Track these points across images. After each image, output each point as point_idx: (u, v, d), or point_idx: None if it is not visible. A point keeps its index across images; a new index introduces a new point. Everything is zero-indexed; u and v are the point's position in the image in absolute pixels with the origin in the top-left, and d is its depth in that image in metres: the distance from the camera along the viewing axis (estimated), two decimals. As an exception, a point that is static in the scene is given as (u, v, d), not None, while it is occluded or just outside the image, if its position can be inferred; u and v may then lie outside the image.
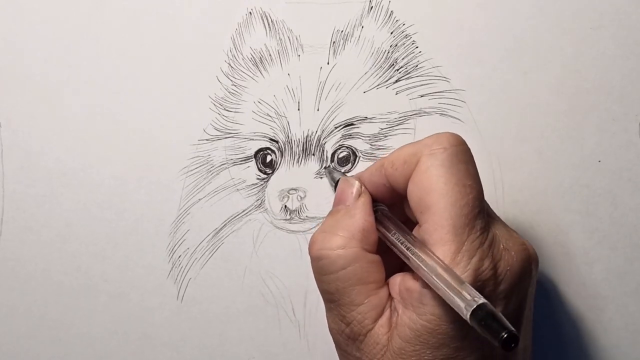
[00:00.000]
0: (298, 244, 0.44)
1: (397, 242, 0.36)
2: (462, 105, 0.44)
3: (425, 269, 0.33)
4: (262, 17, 0.43)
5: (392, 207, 0.39)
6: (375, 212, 0.38)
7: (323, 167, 0.43)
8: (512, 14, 0.43)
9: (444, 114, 0.44)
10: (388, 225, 0.37)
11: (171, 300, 0.45)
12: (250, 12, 0.43)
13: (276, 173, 0.44)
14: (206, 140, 0.44)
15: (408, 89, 0.44)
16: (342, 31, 0.43)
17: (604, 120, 0.44)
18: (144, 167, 0.44)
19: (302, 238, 0.44)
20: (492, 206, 0.44)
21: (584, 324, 0.44)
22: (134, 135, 0.44)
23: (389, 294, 0.36)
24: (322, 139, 0.44)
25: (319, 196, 0.44)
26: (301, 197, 0.44)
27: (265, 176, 0.44)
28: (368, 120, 0.44)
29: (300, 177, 0.44)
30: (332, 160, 0.44)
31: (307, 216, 0.44)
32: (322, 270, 0.36)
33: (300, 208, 0.44)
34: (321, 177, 0.44)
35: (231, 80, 0.44)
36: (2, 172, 0.44)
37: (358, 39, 0.43)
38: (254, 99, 0.44)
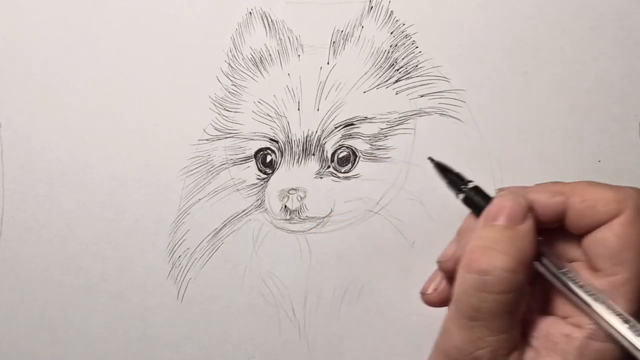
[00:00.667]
0: (298, 244, 0.44)
1: (571, 283, 0.35)
2: (462, 105, 0.44)
3: (606, 320, 0.33)
4: (262, 17, 0.43)
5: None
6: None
7: (428, 157, 0.39)
8: (512, 14, 0.43)
9: (444, 114, 0.44)
10: (551, 259, 0.36)
11: (171, 300, 0.45)
12: (250, 12, 0.43)
13: (276, 173, 0.44)
14: (206, 140, 0.44)
15: (408, 89, 0.44)
16: (342, 31, 0.43)
17: (604, 120, 0.44)
18: (144, 167, 0.44)
19: (302, 238, 0.44)
20: (492, 206, 0.44)
21: (584, 324, 0.44)
22: (134, 135, 0.44)
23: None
24: (322, 139, 0.44)
25: (319, 196, 0.44)
26: (301, 197, 0.44)
27: (265, 176, 0.44)
28: (368, 120, 0.44)
29: (300, 177, 0.44)
30: (332, 160, 0.44)
31: (307, 216, 0.44)
32: (483, 286, 0.34)
33: (300, 208, 0.44)
34: (321, 177, 0.44)
35: (231, 80, 0.44)
36: (2, 172, 0.44)
37: (358, 39, 0.43)
38: (254, 99, 0.44)
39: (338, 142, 0.44)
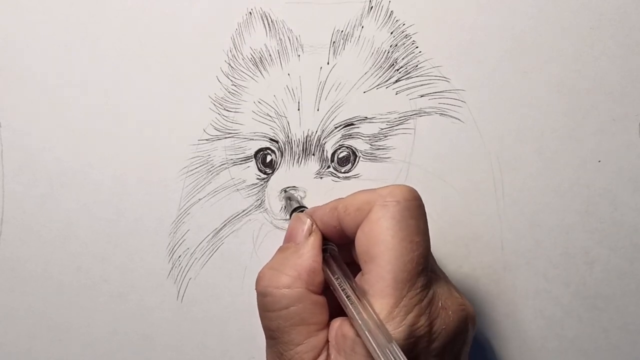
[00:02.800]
0: (298, 244, 0.44)
1: (338, 287, 0.36)
2: (462, 105, 0.44)
3: (359, 320, 0.33)
4: (262, 17, 0.43)
5: (341, 247, 0.38)
6: (324, 251, 0.37)
7: (283, 189, 0.43)
8: (512, 14, 0.43)
9: (444, 114, 0.44)
10: (333, 268, 0.37)
11: (171, 300, 0.45)
12: (250, 12, 0.43)
13: (276, 173, 0.44)
14: (206, 140, 0.44)
15: (408, 89, 0.44)
16: (342, 31, 0.43)
17: (604, 120, 0.44)
18: (144, 167, 0.44)
19: (302, 238, 0.44)
20: (492, 206, 0.44)
21: (583, 324, 0.44)
22: (134, 135, 0.44)
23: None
24: (322, 139, 0.44)
25: (319, 196, 0.44)
26: (301, 197, 0.44)
27: (265, 176, 0.44)
28: (368, 120, 0.44)
29: (300, 177, 0.44)
30: (332, 160, 0.44)
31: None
32: (265, 307, 0.36)
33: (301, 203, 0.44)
34: (321, 177, 0.44)
35: (231, 80, 0.44)
36: (2, 172, 0.44)
37: (358, 39, 0.43)
38: (254, 99, 0.44)
39: (338, 142, 0.44)
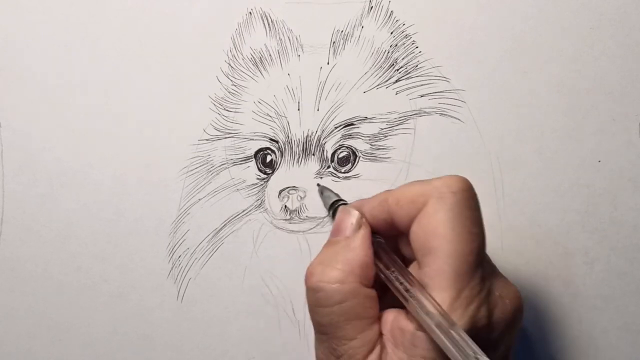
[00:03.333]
0: (298, 244, 0.44)
1: (395, 281, 0.35)
2: (462, 105, 0.44)
3: (423, 314, 0.33)
4: (262, 17, 0.43)
5: (389, 240, 0.38)
6: (372, 244, 0.37)
7: (317, 184, 0.43)
8: (512, 14, 0.43)
9: (444, 114, 0.44)
10: (386, 261, 0.37)
11: (171, 300, 0.45)
12: (250, 12, 0.43)
13: (276, 173, 0.44)
14: (206, 140, 0.44)
15: (408, 89, 0.44)
16: (342, 31, 0.43)
17: (604, 120, 0.44)
18: (144, 167, 0.44)
19: (302, 238, 0.44)
20: (492, 206, 0.44)
21: (584, 324, 0.44)
22: (134, 135, 0.44)
23: (380, 330, 0.36)
24: (322, 139, 0.44)
25: (319, 196, 0.44)
26: (301, 197, 0.44)
27: (265, 176, 0.44)
28: (368, 120, 0.44)
29: (300, 177, 0.44)
30: (332, 160, 0.44)
31: (307, 216, 0.44)
32: (318, 302, 0.36)
33: (300, 208, 0.44)
34: (321, 177, 0.44)
35: (231, 80, 0.44)
36: (2, 172, 0.44)
37: (358, 39, 0.43)
38: (254, 99, 0.44)
39: (338, 142, 0.44)
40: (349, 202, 0.41)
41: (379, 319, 0.36)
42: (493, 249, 0.44)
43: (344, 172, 0.44)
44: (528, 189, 0.44)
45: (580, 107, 0.44)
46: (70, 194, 0.44)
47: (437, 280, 0.34)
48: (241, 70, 0.44)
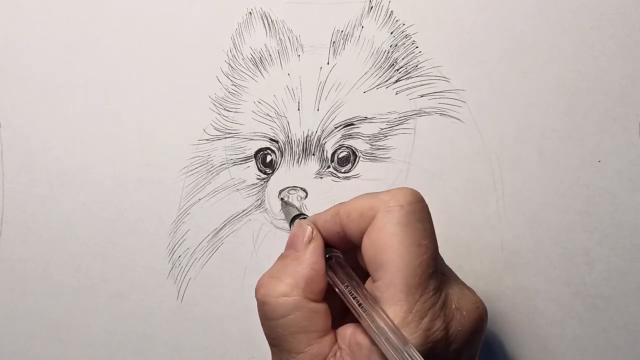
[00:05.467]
0: (298, 244, 0.44)
1: (349, 296, 0.35)
2: (462, 105, 0.44)
3: (374, 329, 0.33)
4: (262, 17, 0.43)
5: (345, 253, 0.38)
6: (329, 258, 0.37)
7: (280, 197, 0.43)
8: (512, 14, 0.43)
9: (444, 114, 0.44)
10: (341, 275, 0.36)
11: (171, 300, 0.45)
12: (250, 12, 0.43)
13: (276, 173, 0.44)
14: (206, 140, 0.44)
15: (408, 89, 0.44)
16: (342, 31, 0.43)
17: (604, 120, 0.44)
18: (144, 167, 0.44)
19: (302, 238, 0.44)
20: (492, 206, 0.44)
21: (584, 324, 0.44)
22: (134, 135, 0.44)
23: (334, 343, 0.36)
24: (322, 139, 0.44)
25: (319, 196, 0.44)
26: (301, 197, 0.44)
27: (265, 176, 0.44)
28: (368, 120, 0.44)
29: (300, 177, 0.44)
30: (332, 160, 0.44)
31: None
32: (265, 315, 0.36)
33: (300, 208, 0.44)
34: (321, 177, 0.44)
35: (231, 80, 0.44)
36: (2, 172, 0.44)
37: (358, 39, 0.43)
38: (254, 99, 0.44)
39: (338, 142, 0.44)
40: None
41: (334, 332, 0.36)
42: (493, 249, 0.44)
43: (344, 172, 0.44)
44: (528, 189, 0.44)
45: (580, 107, 0.44)
46: (70, 194, 0.44)
47: (389, 294, 0.34)
48: (241, 70, 0.44)
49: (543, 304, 0.44)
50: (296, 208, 0.43)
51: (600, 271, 0.44)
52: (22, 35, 0.44)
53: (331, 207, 0.38)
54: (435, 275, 0.34)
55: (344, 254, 0.38)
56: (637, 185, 0.44)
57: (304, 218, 0.41)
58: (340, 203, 0.38)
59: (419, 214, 0.35)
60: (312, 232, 0.37)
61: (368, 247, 0.35)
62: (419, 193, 0.35)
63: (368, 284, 0.36)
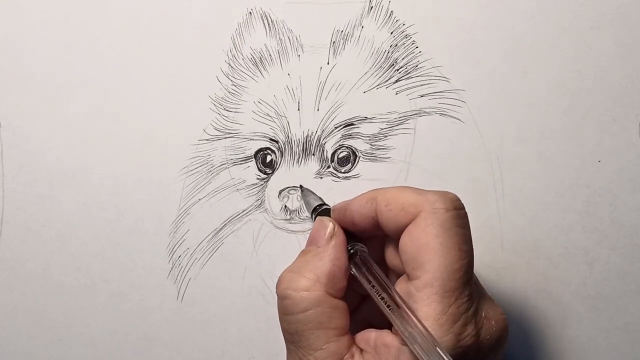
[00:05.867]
0: (298, 244, 0.44)
1: (377, 297, 0.35)
2: (462, 105, 0.44)
3: (405, 331, 0.33)
4: (262, 17, 0.43)
5: (371, 240, 0.38)
6: (354, 253, 0.37)
7: (299, 185, 0.43)
8: (512, 14, 0.43)
9: (444, 114, 0.44)
10: (367, 274, 0.36)
11: (171, 300, 0.45)
12: (250, 12, 0.43)
13: (276, 173, 0.44)
14: (206, 140, 0.44)
15: (408, 89, 0.44)
16: (342, 31, 0.43)
17: (604, 120, 0.44)
18: (144, 167, 0.44)
19: (302, 238, 0.44)
20: (492, 206, 0.44)
21: (583, 324, 0.44)
22: (134, 135, 0.44)
23: (352, 344, 0.36)
24: (322, 139, 0.44)
25: (319, 196, 0.44)
26: (301, 197, 0.44)
27: (265, 176, 0.44)
28: (368, 120, 0.44)
29: (301, 177, 0.44)
30: (332, 160, 0.44)
31: (307, 216, 0.44)
32: (284, 310, 0.36)
33: (301, 208, 0.44)
34: (321, 177, 0.44)
35: (231, 80, 0.44)
36: (2, 172, 0.44)
37: (358, 39, 0.43)
38: (254, 99, 0.44)
39: (338, 142, 0.44)
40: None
41: (349, 333, 0.36)
42: (493, 249, 0.44)
43: (344, 172, 0.44)
44: (528, 189, 0.44)
45: (580, 107, 0.44)
46: (70, 194, 0.44)
47: (424, 294, 0.34)
48: (241, 70, 0.44)
49: (543, 304, 0.44)
50: (318, 197, 0.42)
51: (600, 271, 0.44)
52: (22, 35, 0.44)
53: (367, 192, 0.38)
54: (470, 282, 0.35)
55: (368, 241, 0.38)
56: (637, 185, 0.44)
57: (327, 208, 0.40)
58: (377, 189, 0.37)
59: (462, 220, 0.35)
60: (334, 228, 0.38)
61: (408, 244, 0.35)
62: (461, 200, 0.36)
63: (402, 282, 0.36)
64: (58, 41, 0.44)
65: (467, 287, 0.34)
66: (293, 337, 0.36)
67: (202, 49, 0.43)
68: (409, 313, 0.33)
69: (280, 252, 0.44)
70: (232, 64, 0.44)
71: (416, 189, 0.36)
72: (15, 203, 0.44)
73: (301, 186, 0.43)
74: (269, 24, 0.43)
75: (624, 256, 0.44)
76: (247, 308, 0.44)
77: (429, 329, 0.33)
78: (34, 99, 0.44)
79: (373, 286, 0.36)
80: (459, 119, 0.44)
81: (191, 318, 0.45)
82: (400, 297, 0.34)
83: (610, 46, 0.43)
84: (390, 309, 0.34)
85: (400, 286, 0.35)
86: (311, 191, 0.43)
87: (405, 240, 0.35)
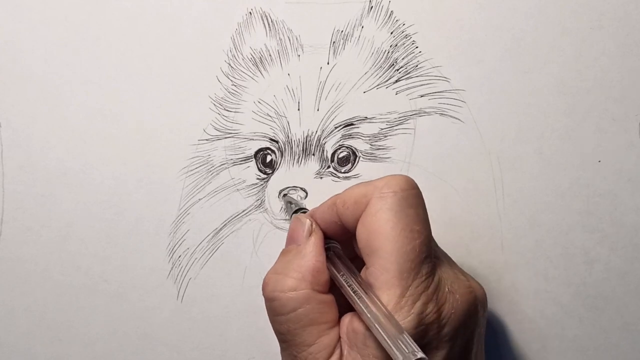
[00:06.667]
0: (298, 244, 0.44)
1: (344, 284, 0.36)
2: (462, 105, 0.44)
3: (368, 314, 0.33)
4: (262, 17, 0.43)
5: (345, 243, 0.39)
6: (327, 249, 0.38)
7: (282, 193, 0.43)
8: (512, 14, 0.43)
9: (444, 114, 0.44)
10: (338, 265, 0.37)
11: (171, 300, 0.45)
12: (250, 12, 0.43)
13: (276, 173, 0.44)
14: (206, 140, 0.44)
15: (408, 89, 0.44)
16: (342, 31, 0.43)
17: (604, 120, 0.44)
18: (144, 167, 0.44)
19: (302, 238, 0.44)
20: (492, 206, 0.44)
21: (583, 324, 0.44)
22: (134, 135, 0.44)
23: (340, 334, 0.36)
24: (322, 139, 0.44)
25: (319, 196, 0.43)
26: (301, 197, 0.44)
27: (265, 176, 0.44)
28: (368, 120, 0.44)
29: (301, 177, 0.44)
30: (332, 160, 0.44)
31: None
32: (274, 311, 0.36)
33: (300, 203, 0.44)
34: (321, 178, 0.44)
35: (231, 80, 0.44)
36: (2, 172, 0.44)
37: (358, 39, 0.43)
38: (254, 99, 0.44)
39: (338, 142, 0.44)
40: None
41: (338, 323, 0.36)
42: (493, 249, 0.44)
43: (344, 172, 0.44)
44: (528, 189, 0.44)
45: (580, 107, 0.44)
46: (70, 194, 0.44)
47: (382, 279, 0.34)
48: (241, 70, 0.44)
49: (543, 304, 0.44)
50: (296, 203, 0.43)
51: (600, 271, 0.44)
52: (22, 35, 0.44)
53: (328, 199, 0.38)
54: (428, 259, 0.35)
55: (344, 246, 0.38)
56: (637, 185, 0.44)
57: (305, 211, 0.41)
58: (336, 194, 0.38)
59: (412, 200, 0.35)
60: (312, 225, 0.38)
61: (362, 233, 0.35)
62: (412, 180, 0.36)
63: (364, 271, 0.36)
64: (58, 41, 0.44)
65: (425, 265, 0.34)
66: (285, 336, 0.36)
67: (202, 49, 0.43)
68: (372, 299, 0.34)
69: (280, 252, 0.44)
70: (232, 64, 0.44)
71: (367, 181, 0.37)
72: (15, 203, 0.44)
73: (284, 194, 0.44)
74: (269, 24, 0.43)
75: (624, 256, 0.44)
76: (247, 308, 0.44)
77: (391, 312, 0.33)
78: (34, 99, 0.44)
79: (342, 275, 0.36)
80: (459, 119, 0.44)
81: (191, 318, 0.45)
82: (364, 284, 0.35)
83: (610, 46, 0.43)
84: (356, 296, 0.34)
85: (364, 275, 0.36)
86: (292, 198, 0.43)
87: (359, 229, 0.36)
